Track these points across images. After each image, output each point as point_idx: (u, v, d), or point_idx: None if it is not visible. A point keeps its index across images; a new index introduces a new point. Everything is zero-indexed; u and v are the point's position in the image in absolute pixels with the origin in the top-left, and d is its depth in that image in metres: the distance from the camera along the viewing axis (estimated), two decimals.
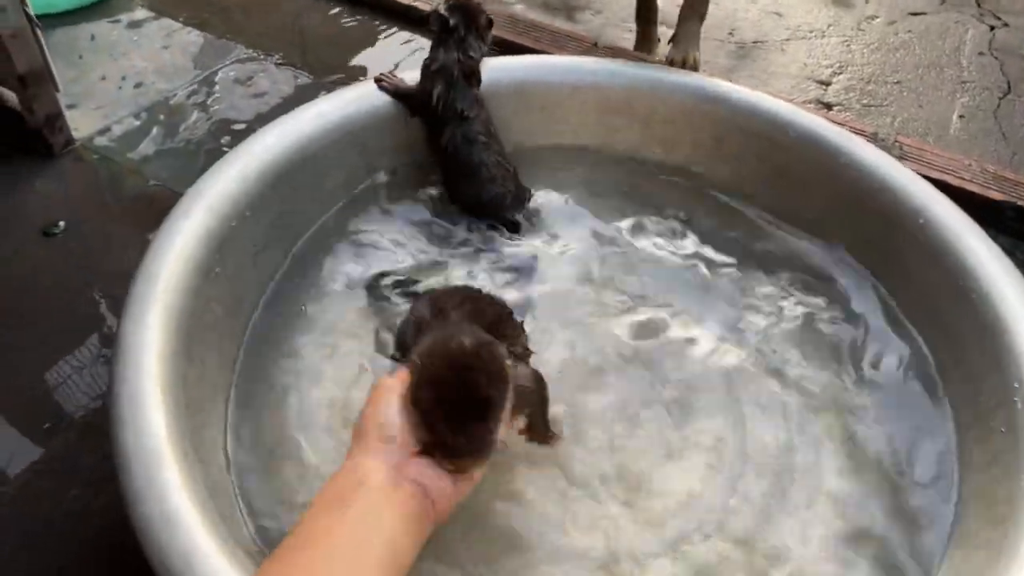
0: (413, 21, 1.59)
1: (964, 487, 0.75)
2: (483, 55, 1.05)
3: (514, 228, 1.03)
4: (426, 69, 1.03)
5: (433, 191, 1.06)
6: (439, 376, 0.58)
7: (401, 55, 1.52)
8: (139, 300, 0.74)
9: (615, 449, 0.81)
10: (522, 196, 1.05)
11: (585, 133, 1.13)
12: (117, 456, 0.63)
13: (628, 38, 1.64)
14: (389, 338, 0.88)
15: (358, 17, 1.62)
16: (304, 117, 0.98)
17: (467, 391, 0.58)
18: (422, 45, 1.54)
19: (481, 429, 0.59)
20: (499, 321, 0.77)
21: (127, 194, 1.20)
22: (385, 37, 1.57)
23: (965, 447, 0.78)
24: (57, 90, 1.22)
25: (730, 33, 1.72)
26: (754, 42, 1.71)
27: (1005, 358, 0.76)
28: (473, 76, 1.03)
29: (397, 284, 0.95)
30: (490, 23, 1.05)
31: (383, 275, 0.96)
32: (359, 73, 1.46)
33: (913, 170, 0.99)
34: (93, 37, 1.52)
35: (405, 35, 1.57)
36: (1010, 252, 1.13)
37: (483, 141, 1.01)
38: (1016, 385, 0.73)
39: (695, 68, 1.25)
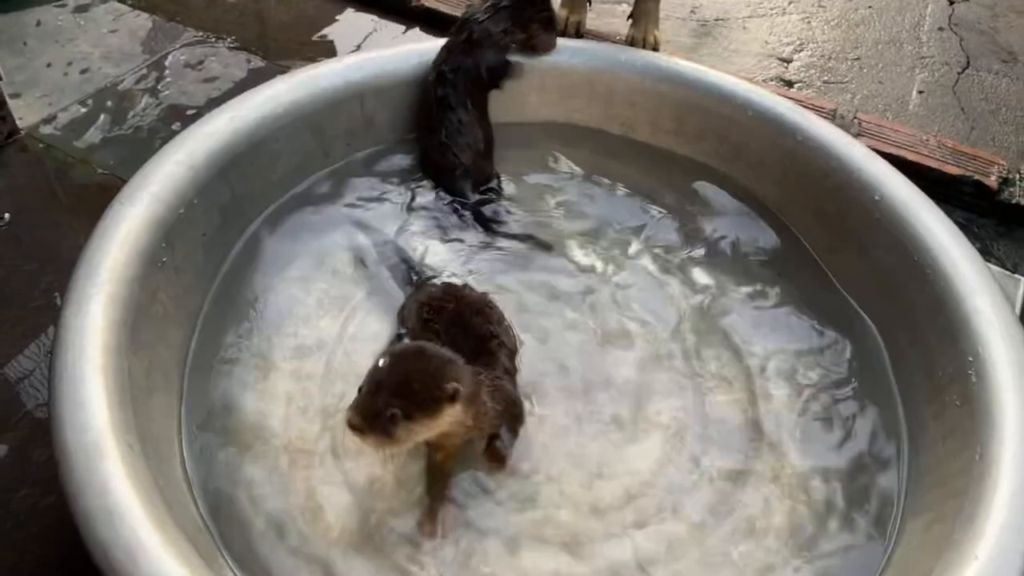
0: (370, 4, 1.56)
1: (920, 461, 0.76)
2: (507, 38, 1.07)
3: (460, 194, 1.03)
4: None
5: (394, 178, 1.04)
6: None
7: (358, 38, 1.49)
8: (81, 290, 0.71)
9: (577, 428, 0.81)
10: (481, 175, 1.04)
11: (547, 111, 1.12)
12: (58, 451, 0.61)
13: (590, 17, 1.62)
14: (341, 323, 0.87)
15: (315, 1, 1.58)
16: (255, 100, 0.96)
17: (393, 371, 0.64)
18: (378, 27, 1.51)
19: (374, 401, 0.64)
20: (484, 340, 0.79)
21: (75, 184, 1.16)
22: (343, 19, 1.53)
23: (920, 422, 0.78)
24: (0, 79, 1.18)
25: (692, 11, 1.71)
26: (716, 20, 1.70)
27: (960, 332, 0.76)
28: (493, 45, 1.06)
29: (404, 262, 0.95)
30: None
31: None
32: (314, 56, 1.42)
33: (871, 146, 0.99)
34: (39, 23, 1.47)
35: (363, 17, 1.54)
36: (966, 227, 1.15)
37: (450, 104, 1.02)
38: (971, 359, 0.74)
39: (656, 47, 1.24)
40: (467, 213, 1.01)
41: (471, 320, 0.80)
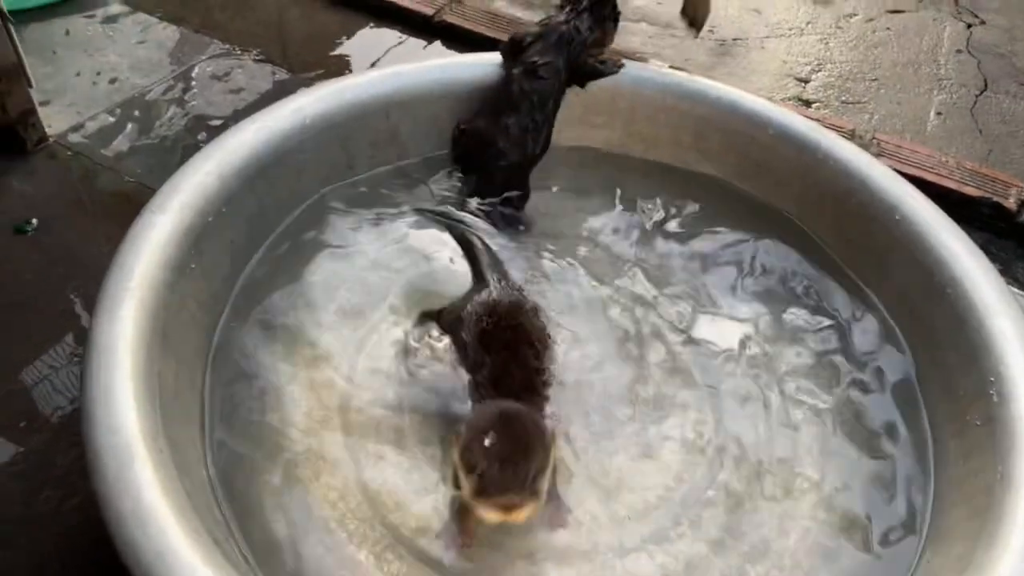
0: (393, 18, 1.58)
1: (942, 480, 0.76)
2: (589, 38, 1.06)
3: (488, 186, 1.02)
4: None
5: (416, 190, 1.05)
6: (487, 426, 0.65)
7: (380, 51, 1.51)
8: (112, 295, 0.73)
9: (595, 444, 0.81)
10: (520, 180, 1.04)
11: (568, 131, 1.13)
12: (89, 454, 0.62)
13: None
14: (362, 332, 0.88)
15: (339, 14, 1.60)
16: (282, 112, 0.97)
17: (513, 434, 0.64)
18: (401, 40, 1.53)
19: (524, 468, 0.62)
20: (534, 375, 0.78)
21: (101, 191, 1.18)
22: (365, 34, 1.55)
23: (942, 441, 0.78)
24: (30, 86, 1.20)
25: (710, 31, 1.73)
26: (734, 39, 1.72)
27: (980, 352, 0.76)
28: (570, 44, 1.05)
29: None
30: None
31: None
32: (338, 69, 1.44)
33: (890, 167, 0.99)
34: (68, 32, 1.50)
35: (385, 32, 1.56)
36: (985, 248, 1.15)
37: (532, 101, 1.01)
38: (992, 379, 0.74)
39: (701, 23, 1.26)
40: (493, 212, 1.01)
41: (524, 350, 0.78)
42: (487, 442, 0.64)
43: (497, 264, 0.92)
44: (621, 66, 1.08)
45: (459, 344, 0.81)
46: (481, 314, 0.80)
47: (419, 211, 1.02)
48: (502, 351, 0.77)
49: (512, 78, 1.03)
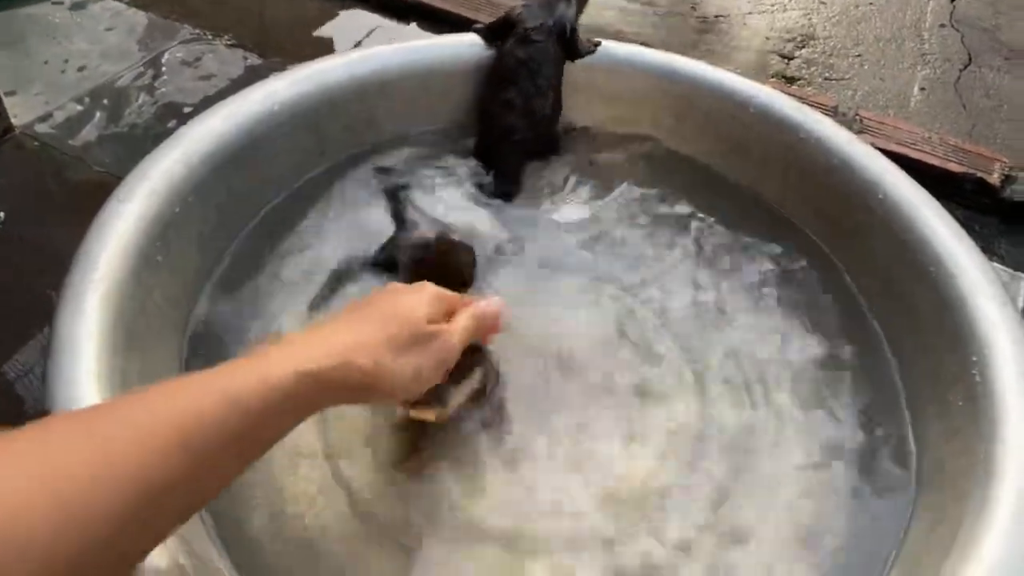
0: (371, 1, 1.55)
1: (923, 462, 0.75)
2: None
3: (502, 184, 1.00)
4: None
5: (393, 175, 1.03)
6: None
7: (357, 36, 1.48)
8: (76, 288, 0.71)
9: (577, 430, 0.79)
10: (546, 148, 1.02)
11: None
12: None
13: (588, 13, 1.61)
14: None
15: None
16: (252, 97, 0.95)
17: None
18: (380, 24, 1.50)
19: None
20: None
21: (70, 182, 1.16)
22: (341, 18, 1.53)
23: (924, 423, 0.77)
24: None
25: (692, 7, 1.71)
26: (716, 16, 1.70)
27: (963, 331, 0.75)
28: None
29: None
30: None
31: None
32: (313, 54, 1.41)
33: (873, 144, 0.98)
34: (35, 20, 1.46)
35: (361, 15, 1.54)
36: (968, 225, 1.14)
37: (531, 69, 0.99)
38: (974, 358, 0.73)
39: None
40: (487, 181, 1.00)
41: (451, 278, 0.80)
42: None
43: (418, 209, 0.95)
44: (597, 44, 1.06)
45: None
46: (413, 252, 0.85)
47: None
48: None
49: (504, 52, 1.01)
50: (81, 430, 0.36)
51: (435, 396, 0.67)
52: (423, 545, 0.71)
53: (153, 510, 0.36)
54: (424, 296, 0.57)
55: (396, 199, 0.97)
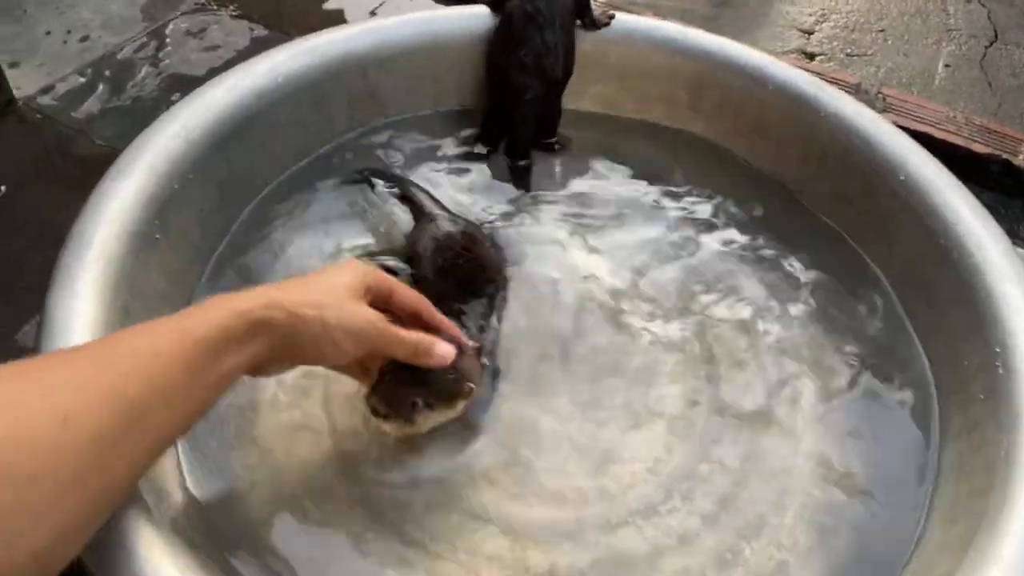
0: None
1: (943, 456, 0.73)
2: None
3: (516, 151, 0.96)
4: None
5: (398, 151, 1.00)
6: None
7: (366, 7, 1.45)
8: (68, 268, 0.69)
9: (583, 414, 0.77)
10: (551, 116, 0.98)
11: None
12: None
13: None
14: None
15: None
16: (254, 70, 0.92)
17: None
18: None
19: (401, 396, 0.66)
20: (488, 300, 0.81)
21: (73, 156, 1.14)
22: None
23: (946, 415, 0.75)
24: None
25: None
26: None
27: (986, 321, 0.73)
28: None
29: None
30: None
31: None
32: (319, 25, 1.38)
33: (896, 123, 0.94)
34: None
35: None
36: (994, 208, 1.11)
37: (538, 24, 0.94)
38: (998, 349, 0.70)
39: None
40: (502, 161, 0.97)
41: (481, 282, 0.82)
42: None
43: (439, 202, 0.92)
44: (611, 17, 1.02)
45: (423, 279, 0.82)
46: (437, 248, 0.82)
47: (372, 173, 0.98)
48: (463, 287, 0.80)
49: (511, 11, 0.96)
50: (60, 359, 0.45)
51: (406, 411, 0.66)
52: (421, 529, 0.69)
53: (132, 426, 0.42)
54: (348, 271, 0.62)
55: (408, 189, 0.95)
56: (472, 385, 0.69)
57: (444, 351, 0.66)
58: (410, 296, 0.67)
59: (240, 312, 0.51)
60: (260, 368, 0.55)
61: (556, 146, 1.01)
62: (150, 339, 0.47)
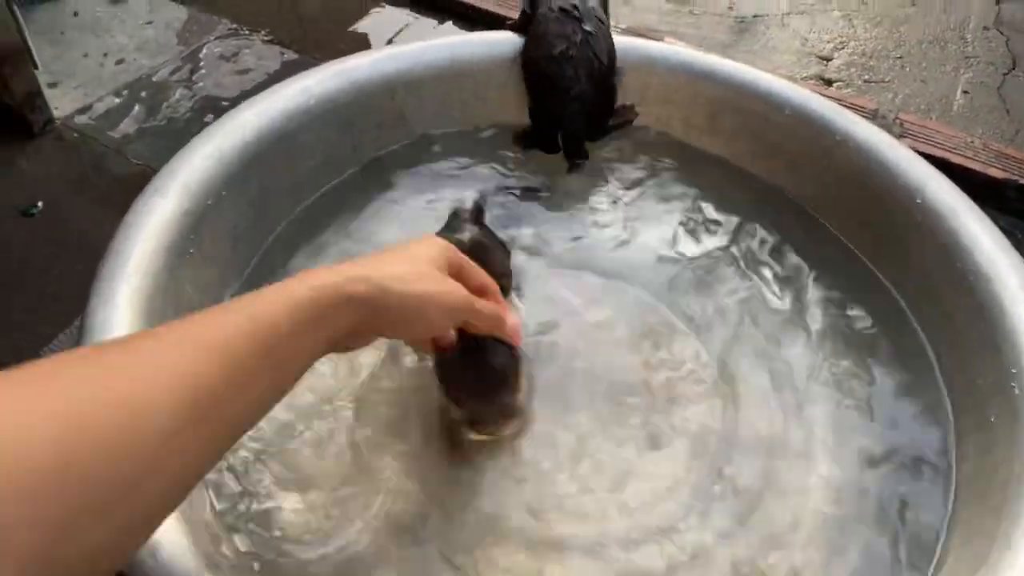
0: None
1: (961, 474, 0.73)
2: None
3: (573, 150, 0.94)
4: None
5: (425, 172, 1.03)
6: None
7: (391, 32, 1.49)
8: (107, 280, 0.72)
9: (603, 432, 0.78)
10: (604, 109, 0.95)
11: None
12: None
13: (626, 13, 1.60)
14: None
15: None
16: (284, 93, 0.95)
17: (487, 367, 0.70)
18: (412, 22, 1.51)
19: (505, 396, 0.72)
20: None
21: (108, 173, 1.18)
22: (375, 14, 1.53)
23: (961, 435, 0.75)
24: (36, 68, 1.20)
25: (729, 7, 1.68)
26: (754, 16, 1.67)
27: (1002, 343, 0.73)
28: None
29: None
30: None
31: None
32: (347, 50, 1.42)
33: (914, 148, 0.96)
34: (76, 14, 1.49)
35: (397, 12, 1.54)
36: (1010, 232, 1.11)
37: (575, 17, 0.92)
38: (1014, 371, 0.71)
39: None
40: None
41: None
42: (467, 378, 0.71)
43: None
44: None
45: None
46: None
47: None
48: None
49: (544, 14, 0.95)
50: (126, 347, 0.40)
51: (496, 423, 0.73)
52: (439, 540, 0.70)
53: (202, 418, 0.39)
54: (433, 244, 0.61)
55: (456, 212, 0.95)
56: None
57: (515, 325, 0.68)
58: (479, 272, 0.66)
59: (320, 287, 0.47)
60: (339, 343, 0.51)
61: (583, 162, 0.99)
62: (220, 324, 0.42)
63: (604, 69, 0.95)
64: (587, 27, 0.93)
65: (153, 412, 0.37)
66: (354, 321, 0.50)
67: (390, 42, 1.44)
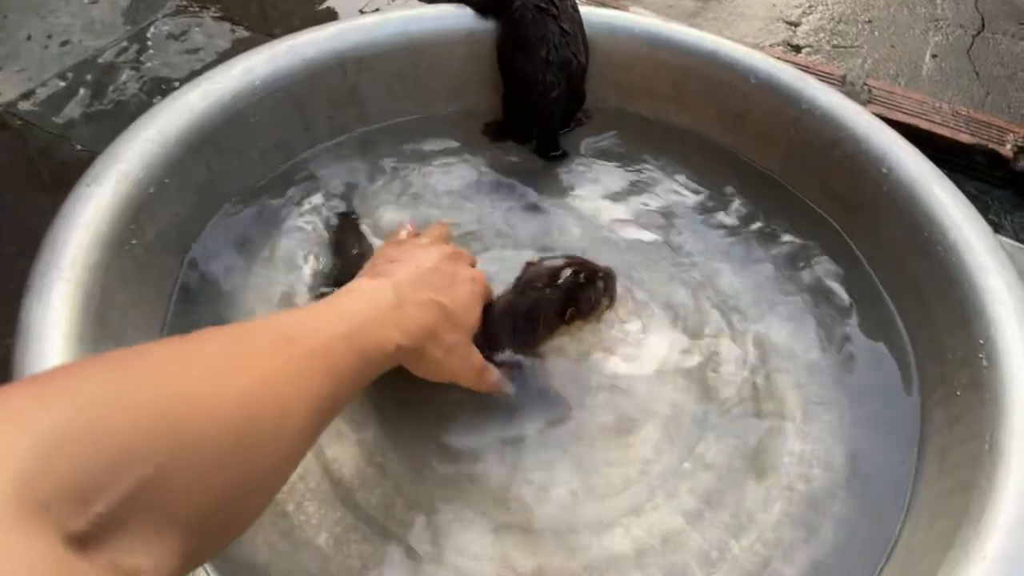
0: None
1: (925, 451, 0.72)
2: None
3: (549, 145, 0.97)
4: None
5: (382, 155, 0.99)
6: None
7: (352, 7, 1.44)
8: (42, 277, 0.68)
9: (574, 418, 0.77)
10: (576, 103, 0.98)
11: None
12: None
13: None
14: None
15: None
16: (230, 73, 0.91)
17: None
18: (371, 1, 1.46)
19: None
20: None
21: (55, 162, 1.14)
22: None
23: (929, 408, 0.74)
24: None
25: None
26: None
27: (970, 313, 0.72)
28: None
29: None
30: None
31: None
32: (302, 26, 1.37)
33: (882, 114, 0.94)
34: None
35: None
36: (980, 198, 1.10)
37: (552, 15, 0.93)
38: (981, 341, 0.70)
39: None
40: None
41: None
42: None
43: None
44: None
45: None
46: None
47: None
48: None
49: (519, 12, 0.94)
50: (275, 348, 0.45)
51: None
52: (407, 530, 0.69)
53: (321, 420, 0.47)
54: (481, 288, 0.72)
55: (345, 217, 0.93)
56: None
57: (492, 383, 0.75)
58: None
59: (409, 335, 0.59)
60: None
61: (563, 154, 1.00)
62: (325, 342, 0.49)
63: (581, 67, 0.96)
64: (565, 26, 0.94)
65: (298, 415, 0.42)
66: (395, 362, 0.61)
67: (360, 12, 1.40)
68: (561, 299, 0.78)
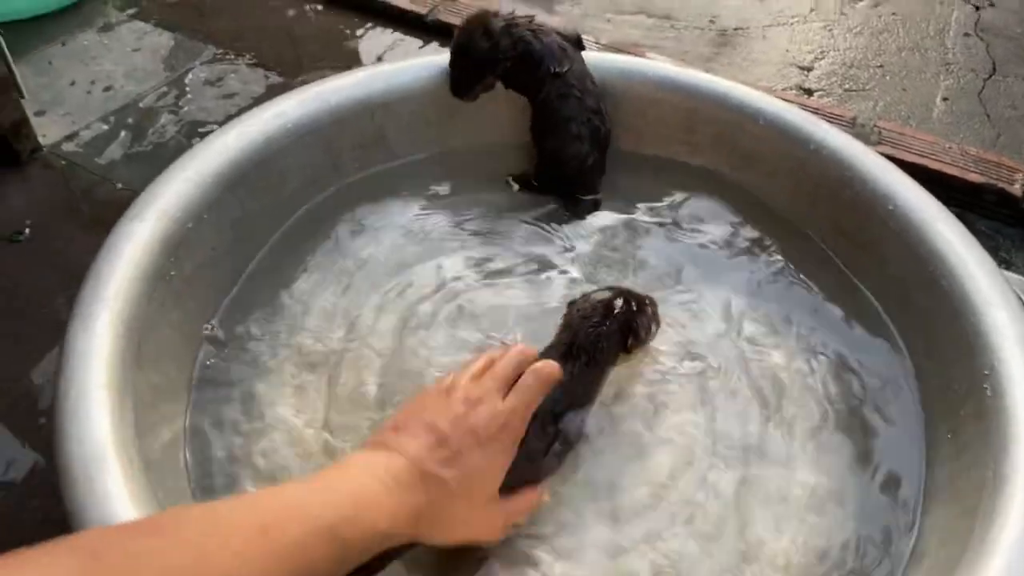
0: (392, 18, 1.57)
1: (935, 477, 0.74)
2: None
3: (582, 207, 1.02)
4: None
5: (405, 192, 1.04)
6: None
7: (377, 53, 1.50)
8: (87, 306, 0.72)
9: (588, 443, 0.79)
10: (603, 166, 1.04)
11: None
12: (59, 463, 0.62)
13: (608, 29, 1.62)
14: (349, 338, 0.87)
15: (333, 16, 1.60)
16: (263, 116, 0.96)
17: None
18: (398, 43, 1.52)
19: None
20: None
21: (95, 199, 1.19)
22: (360, 36, 1.55)
23: (936, 438, 0.76)
24: (22, 96, 1.21)
25: (711, 20, 1.70)
26: (735, 29, 1.69)
27: (975, 344, 0.74)
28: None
29: None
30: None
31: None
32: (331, 72, 1.43)
33: (891, 155, 0.97)
34: (64, 43, 1.50)
35: (383, 33, 1.56)
36: (991, 236, 1.12)
37: (576, 96, 1.00)
38: (986, 372, 0.72)
39: None
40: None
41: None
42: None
43: None
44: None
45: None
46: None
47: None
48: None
49: (546, 99, 1.01)
50: (244, 538, 0.45)
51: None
52: (420, 554, 0.71)
53: None
54: (506, 460, 0.65)
55: None
56: None
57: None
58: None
59: (402, 522, 0.55)
60: None
61: (598, 203, 1.05)
62: (302, 535, 0.48)
63: (607, 131, 1.03)
64: (588, 103, 1.00)
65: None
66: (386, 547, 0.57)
67: (379, 60, 1.46)
68: (620, 330, 0.79)
